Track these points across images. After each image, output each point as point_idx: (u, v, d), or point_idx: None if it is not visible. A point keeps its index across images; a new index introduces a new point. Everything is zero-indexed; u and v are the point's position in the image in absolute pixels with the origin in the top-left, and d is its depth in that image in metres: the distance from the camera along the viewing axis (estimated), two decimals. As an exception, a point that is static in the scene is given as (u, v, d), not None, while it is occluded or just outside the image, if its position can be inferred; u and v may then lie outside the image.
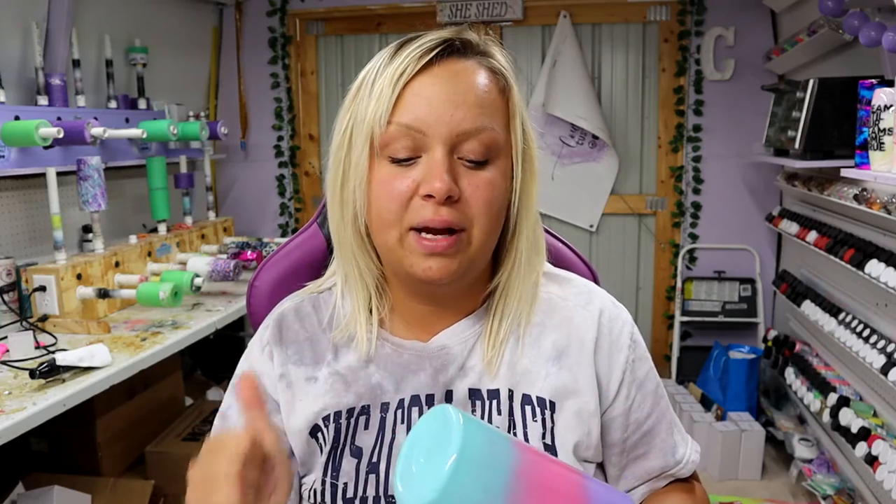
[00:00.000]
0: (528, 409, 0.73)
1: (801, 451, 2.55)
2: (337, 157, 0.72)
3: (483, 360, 0.75)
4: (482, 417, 0.73)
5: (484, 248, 0.71)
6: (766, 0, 2.82)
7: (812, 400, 2.36)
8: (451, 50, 0.70)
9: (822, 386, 2.34)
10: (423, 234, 0.67)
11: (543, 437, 0.73)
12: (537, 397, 0.74)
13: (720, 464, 2.68)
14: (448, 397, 0.74)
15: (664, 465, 0.79)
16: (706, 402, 2.89)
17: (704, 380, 3.03)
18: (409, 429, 0.73)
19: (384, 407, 0.74)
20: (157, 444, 2.31)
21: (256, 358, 0.79)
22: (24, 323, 1.96)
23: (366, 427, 0.74)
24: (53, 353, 1.74)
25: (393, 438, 0.73)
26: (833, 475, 2.38)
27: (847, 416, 2.07)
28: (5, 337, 1.83)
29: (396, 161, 0.68)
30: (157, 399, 2.47)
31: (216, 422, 0.81)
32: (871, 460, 1.90)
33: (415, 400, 0.74)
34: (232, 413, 0.79)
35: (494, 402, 0.74)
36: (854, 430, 2.01)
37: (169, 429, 2.40)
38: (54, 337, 1.90)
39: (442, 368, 0.75)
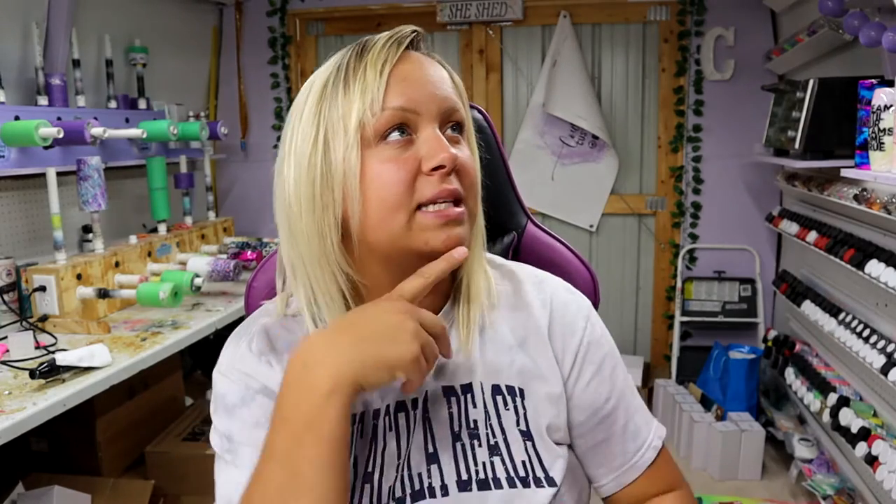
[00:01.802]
0: (499, 398, 0.75)
1: (801, 451, 2.55)
2: (311, 165, 0.69)
3: (458, 345, 0.75)
4: (459, 412, 0.75)
5: (476, 222, 0.74)
6: (766, 0, 2.82)
7: (812, 400, 2.36)
8: (413, 42, 0.73)
9: (822, 386, 2.34)
10: (435, 206, 0.68)
11: (518, 423, 0.74)
12: (506, 385, 0.76)
13: (720, 464, 2.68)
14: (425, 397, 0.75)
15: (624, 451, 0.79)
16: (706, 402, 2.88)
17: (704, 380, 3.03)
18: (397, 436, 0.73)
19: (375, 413, 0.75)
20: (157, 444, 2.31)
21: (253, 367, 0.74)
22: (24, 323, 1.96)
23: (360, 435, 0.74)
24: (53, 353, 1.74)
25: (385, 447, 0.73)
26: (833, 475, 2.38)
27: (847, 416, 2.07)
28: (5, 337, 1.83)
29: (393, 143, 0.68)
30: (157, 399, 2.47)
31: (218, 442, 0.74)
32: (871, 460, 1.90)
33: (400, 406, 0.75)
34: (242, 448, 0.72)
35: (469, 395, 0.75)
36: (854, 430, 2.01)
37: (169, 429, 2.40)
38: (54, 337, 1.90)
39: None
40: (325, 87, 0.70)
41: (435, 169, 0.68)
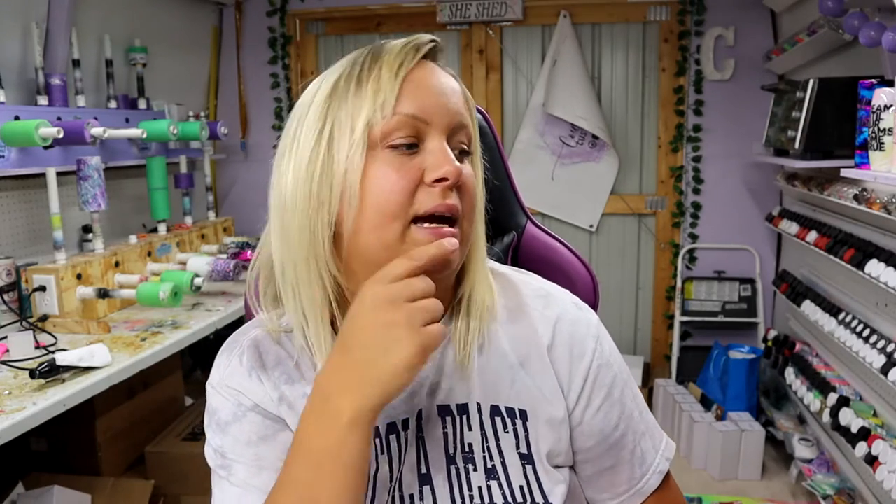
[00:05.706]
0: (498, 420, 0.73)
1: (801, 451, 2.55)
2: (312, 160, 0.68)
3: (455, 363, 0.73)
4: (454, 433, 0.72)
5: (468, 245, 0.72)
6: (766, 0, 2.82)
7: (812, 400, 2.36)
8: (430, 52, 0.71)
9: (822, 386, 2.34)
10: (430, 224, 0.67)
11: (518, 447, 0.72)
12: (506, 408, 0.73)
13: (720, 464, 2.68)
14: (419, 417, 0.73)
15: (631, 477, 0.77)
16: (706, 402, 2.88)
17: (704, 380, 3.03)
18: (389, 459, 0.71)
19: None
20: (157, 444, 2.31)
21: (244, 383, 0.73)
22: (24, 323, 1.96)
23: None
24: (53, 353, 1.74)
25: (377, 469, 0.71)
26: (833, 475, 2.38)
27: (847, 416, 2.07)
28: (5, 337, 1.83)
29: (399, 150, 0.67)
30: (157, 399, 2.48)
31: (212, 456, 0.73)
32: (871, 460, 1.90)
33: (391, 427, 0.72)
34: (235, 465, 0.71)
35: (464, 417, 0.73)
36: (854, 430, 2.01)
37: (169, 429, 2.41)
38: (54, 337, 1.90)
39: (415, 391, 0.73)
40: (337, 85, 0.69)
41: (438, 181, 0.66)
